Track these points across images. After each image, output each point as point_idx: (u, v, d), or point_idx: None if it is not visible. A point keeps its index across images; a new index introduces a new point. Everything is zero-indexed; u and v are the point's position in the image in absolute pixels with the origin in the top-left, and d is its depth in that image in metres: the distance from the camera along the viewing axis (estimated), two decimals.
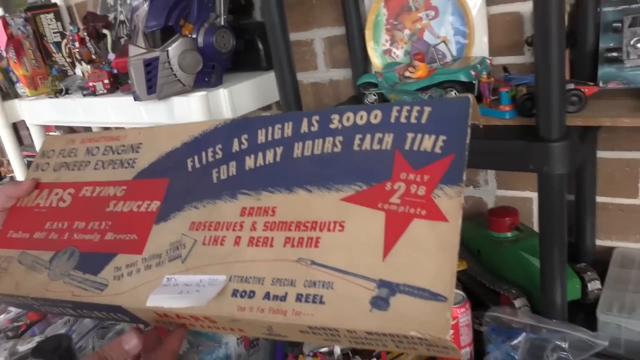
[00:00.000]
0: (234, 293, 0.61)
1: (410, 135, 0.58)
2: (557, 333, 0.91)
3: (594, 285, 1.04)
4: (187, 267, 0.67)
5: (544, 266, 0.93)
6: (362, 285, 0.53)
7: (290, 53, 1.12)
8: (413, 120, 0.58)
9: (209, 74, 1.25)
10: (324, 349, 1.10)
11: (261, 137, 0.69)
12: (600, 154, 1.13)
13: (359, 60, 1.29)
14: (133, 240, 0.72)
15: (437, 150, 0.56)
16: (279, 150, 0.67)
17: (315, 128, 0.64)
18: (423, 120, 0.58)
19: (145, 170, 0.78)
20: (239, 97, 1.29)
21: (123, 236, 0.73)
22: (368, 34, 1.25)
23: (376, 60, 1.27)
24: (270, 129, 0.68)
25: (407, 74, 1.09)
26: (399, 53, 1.25)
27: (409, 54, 1.23)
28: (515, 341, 0.94)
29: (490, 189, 1.30)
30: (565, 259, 0.92)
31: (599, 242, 1.20)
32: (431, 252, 0.52)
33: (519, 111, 0.95)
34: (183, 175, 0.74)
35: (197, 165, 0.73)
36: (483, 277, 1.12)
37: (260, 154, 0.68)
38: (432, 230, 0.54)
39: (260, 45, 1.39)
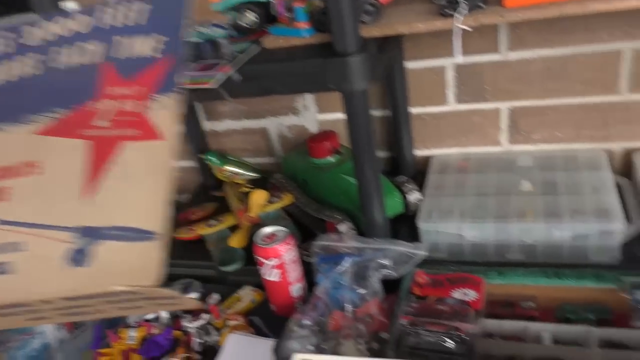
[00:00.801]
0: None
1: (124, 40, 0.47)
2: (379, 251, 0.89)
3: (414, 197, 1.05)
4: None
5: (360, 185, 0.90)
6: (58, 239, 0.43)
7: None
8: (130, 22, 0.47)
9: None
10: (150, 316, 1.01)
11: None
12: (409, 64, 1.11)
13: None
14: None
15: (156, 54, 0.46)
16: None
17: (6, 47, 0.50)
18: (143, 21, 0.47)
19: None
20: None
21: None
22: None
23: None
24: None
25: None
26: None
27: None
28: (342, 267, 0.91)
29: (311, 114, 1.25)
30: (379, 175, 0.89)
31: (418, 153, 1.21)
32: (141, 181, 0.43)
33: (316, 27, 0.88)
34: None
35: None
36: (309, 207, 1.08)
37: None
38: (143, 152, 0.44)
39: None
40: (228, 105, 1.29)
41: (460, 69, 1.09)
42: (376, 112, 1.20)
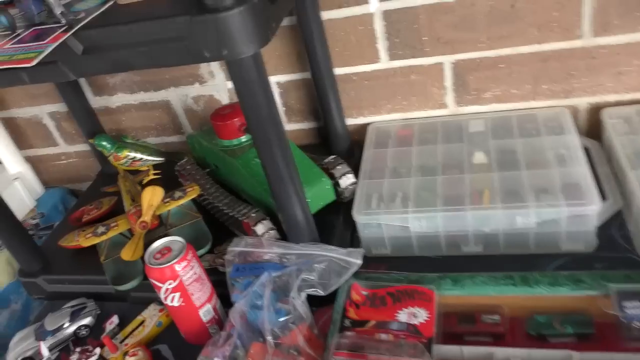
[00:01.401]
0: None
1: None
2: (303, 261, 0.71)
3: (347, 181, 0.86)
4: None
5: (269, 177, 0.70)
6: None
7: None
8: None
9: None
10: (28, 352, 0.81)
11: None
12: (325, 14, 0.89)
13: None
14: None
15: None
16: None
17: None
18: None
19: None
20: None
21: None
22: None
23: None
24: None
25: None
26: None
27: None
28: (259, 282, 0.72)
29: (220, 82, 1.02)
30: (290, 160, 0.69)
31: (350, 122, 1.02)
32: None
33: None
34: None
35: None
36: (221, 202, 0.88)
37: None
38: None
39: None
40: (117, 75, 1.05)
41: (389, 15, 0.88)
42: (295, 76, 0.98)
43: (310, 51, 0.88)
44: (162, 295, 0.72)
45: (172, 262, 0.70)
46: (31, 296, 0.96)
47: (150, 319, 0.82)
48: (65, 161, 1.23)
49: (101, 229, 0.85)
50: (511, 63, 0.89)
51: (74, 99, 1.04)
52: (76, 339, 0.84)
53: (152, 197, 0.82)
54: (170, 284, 0.70)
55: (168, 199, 0.86)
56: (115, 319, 0.84)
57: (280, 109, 1.04)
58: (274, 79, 0.99)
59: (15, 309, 1.07)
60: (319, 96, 0.93)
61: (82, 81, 1.06)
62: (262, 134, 0.65)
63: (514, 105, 0.94)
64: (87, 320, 0.85)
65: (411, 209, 0.80)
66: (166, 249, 0.72)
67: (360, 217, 0.81)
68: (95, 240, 0.84)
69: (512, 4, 0.83)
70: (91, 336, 0.84)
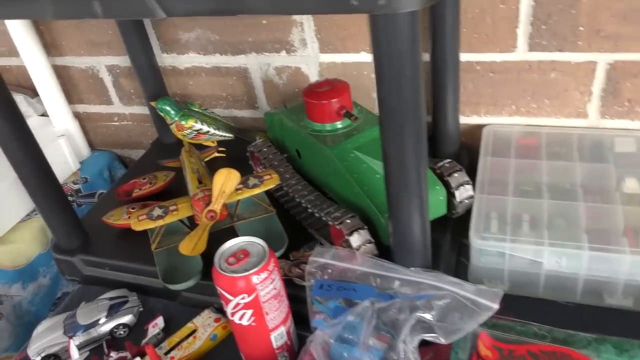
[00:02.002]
0: None
1: None
2: (419, 296, 0.55)
3: (464, 193, 0.69)
4: None
5: (390, 176, 0.53)
6: None
7: None
8: None
9: None
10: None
11: None
12: None
13: None
14: None
15: None
16: None
17: None
18: None
19: None
20: None
21: None
22: None
23: None
24: None
25: None
26: None
27: None
28: (356, 312, 0.56)
29: (312, 53, 0.86)
30: (425, 161, 0.53)
31: (464, 120, 0.85)
32: None
33: None
34: None
35: None
36: (304, 197, 0.72)
37: None
38: None
39: None
40: (192, 30, 0.90)
41: None
42: None
43: (437, 29, 0.71)
44: (229, 310, 0.57)
45: (250, 271, 0.54)
46: (63, 276, 0.82)
47: (203, 329, 0.67)
48: (117, 123, 1.08)
49: (157, 211, 0.70)
50: None
51: (140, 52, 0.89)
52: (111, 339, 0.70)
53: (226, 182, 0.66)
54: (243, 299, 0.55)
55: (241, 187, 0.70)
56: (160, 322, 0.70)
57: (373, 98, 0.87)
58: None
59: (42, 284, 0.94)
60: (434, 85, 0.76)
61: (151, 33, 0.92)
62: (397, 120, 0.49)
63: None
64: (127, 319, 0.70)
65: (548, 241, 0.63)
66: (242, 253, 0.56)
67: (479, 241, 0.64)
68: (149, 225, 0.69)
69: None
70: (130, 338, 0.70)
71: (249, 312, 0.56)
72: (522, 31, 0.74)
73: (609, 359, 0.51)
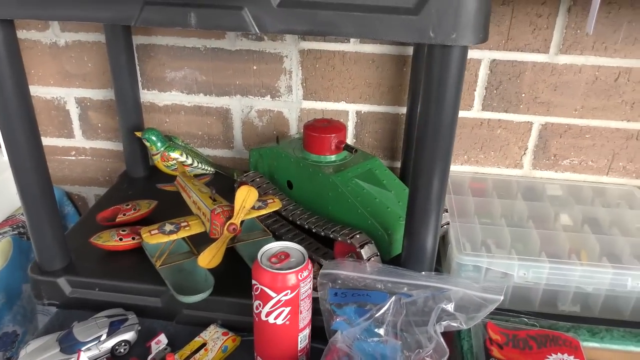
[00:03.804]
0: None
1: None
2: (439, 292, 0.64)
3: (442, 220, 0.80)
4: None
5: (416, 193, 0.63)
6: None
7: None
8: None
9: None
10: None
11: None
12: None
13: None
14: None
15: None
16: None
17: None
18: None
19: None
20: None
21: None
22: None
23: None
24: None
25: None
26: None
27: None
28: (378, 309, 0.63)
29: (295, 99, 0.96)
30: (445, 184, 0.64)
31: None
32: None
33: None
34: None
35: None
36: (306, 221, 0.78)
37: None
38: None
39: None
40: (181, 70, 0.95)
41: (495, 65, 0.88)
42: (379, 108, 0.95)
43: (414, 84, 0.85)
44: (266, 309, 0.61)
45: (295, 269, 0.59)
46: (39, 301, 0.78)
47: (213, 342, 0.69)
48: (74, 157, 1.07)
49: (169, 227, 0.72)
50: (597, 135, 0.92)
51: (127, 85, 0.92)
52: (112, 357, 0.68)
53: (247, 198, 0.71)
54: (286, 295, 0.60)
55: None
56: (162, 338, 0.70)
57: (351, 140, 0.98)
58: (354, 107, 0.95)
59: None
60: (407, 134, 0.90)
61: (137, 68, 0.95)
62: (432, 141, 0.60)
63: (586, 177, 0.96)
64: (129, 336, 0.70)
65: (517, 256, 0.76)
66: (283, 254, 0.62)
67: (461, 256, 0.76)
68: (162, 239, 0.71)
69: (615, 78, 0.87)
70: (131, 355, 0.69)
71: (287, 309, 0.61)
72: (479, 93, 0.91)
73: (585, 339, 0.63)
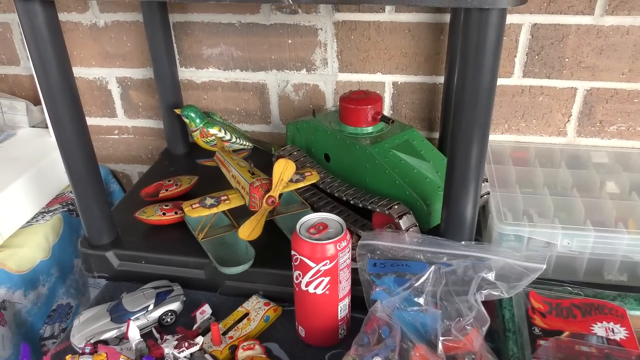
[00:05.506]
0: None
1: None
2: (479, 261, 0.63)
3: (482, 190, 0.79)
4: None
5: (454, 163, 0.62)
6: None
7: None
8: None
9: None
10: (110, 334, 0.67)
11: None
12: None
13: None
14: None
15: None
16: None
17: None
18: None
19: None
20: None
21: None
22: None
23: None
24: None
25: None
26: None
27: None
28: (418, 279, 0.63)
29: (331, 72, 0.95)
30: (485, 152, 0.63)
31: None
32: None
33: None
34: None
35: None
36: (343, 192, 0.79)
37: None
38: None
39: None
40: (216, 46, 0.96)
41: (537, 30, 0.85)
42: (416, 78, 0.93)
43: (452, 53, 0.83)
44: (305, 279, 0.61)
45: (334, 239, 0.60)
46: (90, 274, 0.81)
47: (255, 312, 0.71)
48: (117, 136, 1.10)
49: (209, 200, 0.74)
50: None
51: (164, 64, 0.93)
52: (159, 326, 0.71)
53: (284, 171, 0.72)
54: (325, 265, 0.60)
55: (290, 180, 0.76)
56: (207, 309, 0.72)
57: (388, 112, 0.97)
58: (390, 78, 0.94)
59: (41, 293, 0.91)
60: (445, 104, 0.88)
61: (174, 47, 0.97)
62: (470, 108, 0.58)
63: (634, 143, 0.92)
64: (175, 306, 0.72)
65: (560, 225, 0.74)
66: (321, 225, 0.62)
67: (502, 226, 0.75)
68: (204, 212, 0.72)
69: None
70: (177, 325, 0.71)
71: (326, 279, 0.61)
72: (519, 59, 0.88)
73: (632, 308, 0.62)
